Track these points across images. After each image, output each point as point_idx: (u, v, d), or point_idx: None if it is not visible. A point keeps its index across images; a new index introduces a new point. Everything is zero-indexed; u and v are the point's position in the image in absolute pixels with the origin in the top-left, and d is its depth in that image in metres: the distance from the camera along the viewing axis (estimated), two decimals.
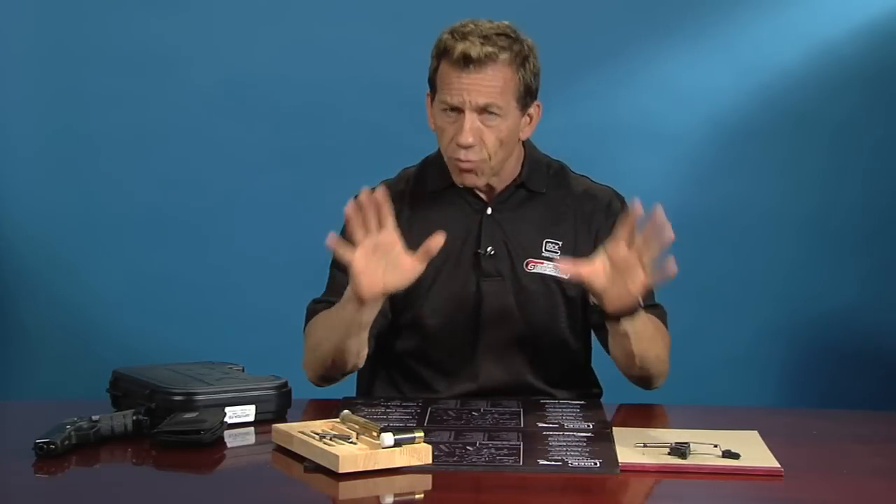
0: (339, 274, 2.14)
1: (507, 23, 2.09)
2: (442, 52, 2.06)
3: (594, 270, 1.90)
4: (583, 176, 2.25)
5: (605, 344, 2.15)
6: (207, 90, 3.47)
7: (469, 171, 2.08)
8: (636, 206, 1.86)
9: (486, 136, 2.05)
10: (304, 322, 2.17)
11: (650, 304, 2.16)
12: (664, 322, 2.17)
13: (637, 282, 1.88)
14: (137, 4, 3.47)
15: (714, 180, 3.51)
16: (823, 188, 3.52)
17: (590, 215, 2.18)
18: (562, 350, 2.18)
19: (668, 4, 3.50)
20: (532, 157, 2.20)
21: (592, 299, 2.00)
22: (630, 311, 1.95)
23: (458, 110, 2.05)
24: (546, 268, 2.14)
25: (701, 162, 3.52)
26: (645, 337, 2.02)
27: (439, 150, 2.17)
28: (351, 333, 1.99)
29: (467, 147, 2.05)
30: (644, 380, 2.12)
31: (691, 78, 3.49)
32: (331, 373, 2.10)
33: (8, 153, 3.49)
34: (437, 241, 1.91)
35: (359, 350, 2.05)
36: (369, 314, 1.96)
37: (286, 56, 3.46)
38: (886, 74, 3.48)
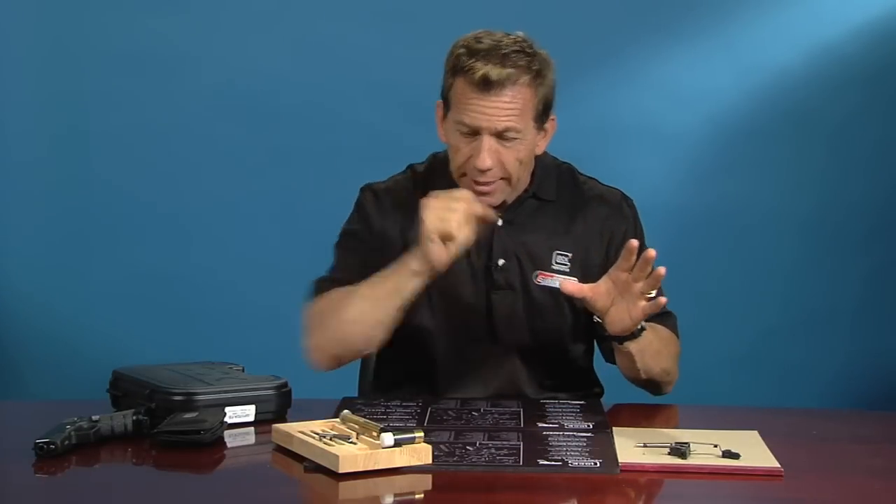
0: (348, 254, 2.14)
1: (522, 35, 2.05)
2: (458, 70, 2.01)
3: (597, 291, 1.91)
4: (591, 178, 2.24)
5: (606, 355, 2.16)
6: (208, 90, 3.48)
7: (485, 193, 2.05)
8: (633, 244, 1.85)
9: (504, 157, 2.03)
10: (311, 298, 2.13)
11: (661, 312, 2.15)
12: (675, 330, 2.17)
13: (636, 309, 1.89)
14: (138, 5, 3.47)
15: (714, 180, 3.51)
16: (823, 188, 3.52)
17: (602, 221, 2.17)
18: (565, 358, 2.18)
19: (668, 5, 3.50)
20: (542, 164, 2.18)
21: (596, 317, 2.00)
22: (632, 334, 1.96)
23: (475, 131, 2.02)
24: (555, 281, 2.12)
25: (701, 162, 3.52)
26: (649, 353, 2.03)
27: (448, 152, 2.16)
28: (403, 306, 2.02)
29: (485, 171, 2.02)
30: (650, 388, 2.14)
31: (691, 78, 3.49)
32: (349, 354, 2.09)
33: (8, 153, 3.50)
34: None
35: (386, 336, 2.06)
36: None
37: (286, 56, 3.47)
38: (886, 74, 3.49)
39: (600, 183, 2.24)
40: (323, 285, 2.13)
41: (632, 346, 1.98)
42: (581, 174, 2.24)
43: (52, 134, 3.51)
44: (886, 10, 3.48)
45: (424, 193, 2.15)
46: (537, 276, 2.13)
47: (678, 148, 3.51)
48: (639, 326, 1.95)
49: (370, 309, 2.02)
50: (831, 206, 3.52)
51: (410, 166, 2.24)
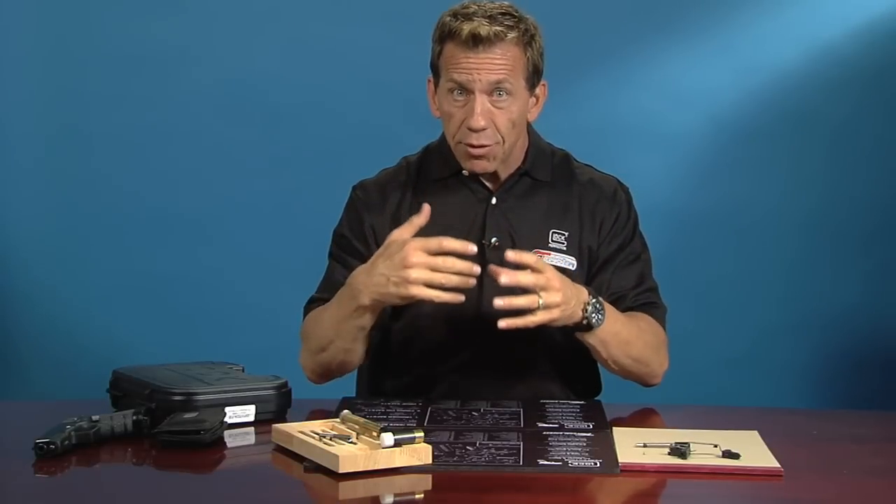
0: (339, 267, 2.14)
1: (507, 2, 2.07)
2: (446, 35, 2.02)
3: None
4: (587, 165, 2.25)
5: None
6: (207, 90, 3.48)
7: (481, 156, 2.05)
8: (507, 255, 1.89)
9: (497, 118, 2.02)
10: (302, 321, 2.16)
11: (647, 301, 2.15)
12: (660, 320, 2.16)
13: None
14: (137, 5, 3.47)
15: (714, 180, 3.51)
16: (824, 188, 3.52)
17: (594, 205, 2.17)
18: (564, 343, 2.13)
19: (668, 4, 3.51)
20: (536, 146, 2.18)
21: None
22: (577, 327, 1.97)
23: (467, 92, 2.02)
24: (553, 258, 2.11)
25: (701, 162, 3.52)
26: (615, 344, 2.03)
27: (441, 138, 2.16)
28: (362, 337, 2.02)
29: (479, 131, 2.02)
30: (632, 379, 2.13)
31: (691, 78, 3.49)
32: (335, 374, 2.12)
33: (8, 153, 3.50)
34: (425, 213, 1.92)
35: (365, 349, 2.07)
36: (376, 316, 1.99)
37: (286, 56, 3.47)
38: (886, 74, 3.49)
39: (596, 170, 2.25)
40: (308, 307, 2.15)
41: (590, 338, 1.99)
42: (577, 161, 2.24)
43: (52, 134, 3.52)
44: (886, 10, 3.48)
45: (418, 184, 2.16)
46: (534, 254, 2.12)
47: (678, 148, 3.51)
48: (584, 322, 1.96)
49: (334, 337, 2.03)
50: (831, 207, 3.52)
51: (404, 157, 2.24)
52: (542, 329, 1.96)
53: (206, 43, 3.47)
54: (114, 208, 3.50)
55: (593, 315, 1.96)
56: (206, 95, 3.48)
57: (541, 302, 1.87)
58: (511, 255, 1.89)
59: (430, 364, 2.14)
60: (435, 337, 2.12)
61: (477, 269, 1.87)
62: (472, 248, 1.87)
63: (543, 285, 1.88)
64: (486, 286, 2.07)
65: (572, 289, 1.93)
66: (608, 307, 2.01)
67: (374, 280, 1.90)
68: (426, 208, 1.93)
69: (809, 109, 3.50)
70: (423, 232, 1.98)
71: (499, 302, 1.87)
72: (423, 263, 1.85)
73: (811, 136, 3.52)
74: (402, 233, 1.90)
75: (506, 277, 1.87)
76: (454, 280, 1.85)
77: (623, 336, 2.03)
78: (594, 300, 1.97)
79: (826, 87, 3.48)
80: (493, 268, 1.89)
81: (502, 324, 1.86)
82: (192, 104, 3.48)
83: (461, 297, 1.87)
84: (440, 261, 1.85)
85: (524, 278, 1.87)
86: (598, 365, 2.20)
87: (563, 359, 2.16)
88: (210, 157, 3.49)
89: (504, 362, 2.12)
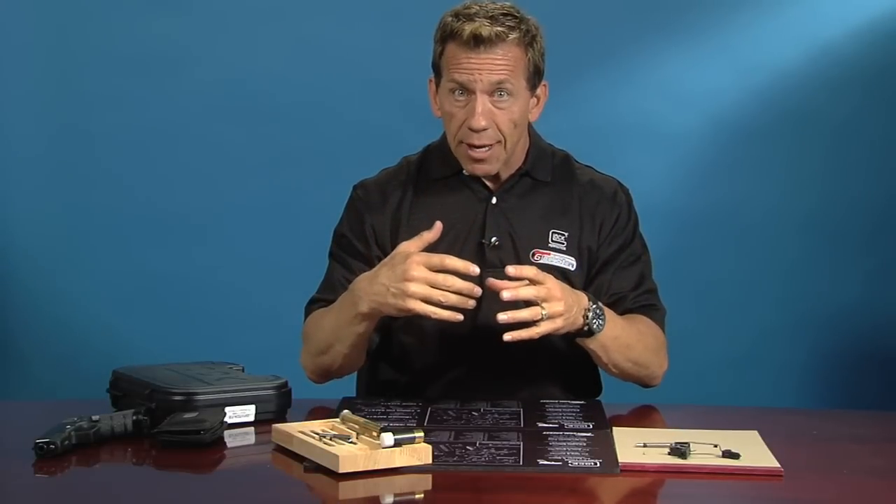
0: (339, 268, 2.15)
1: (509, 3, 2.07)
2: (448, 35, 2.03)
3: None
4: (587, 166, 2.25)
5: None
6: (208, 90, 3.48)
7: (482, 159, 2.05)
8: (507, 270, 1.89)
9: (498, 118, 2.03)
10: (303, 322, 2.16)
11: (647, 303, 2.16)
12: (660, 323, 2.16)
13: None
14: (138, 5, 3.48)
15: (714, 180, 3.51)
16: (824, 188, 3.53)
17: (594, 206, 2.17)
18: (564, 348, 2.14)
19: (668, 4, 3.51)
20: (537, 146, 2.18)
21: None
22: (578, 333, 1.97)
23: (469, 92, 2.02)
24: (553, 258, 2.12)
25: (701, 162, 3.52)
26: (616, 348, 2.03)
27: (442, 138, 2.16)
28: (361, 343, 2.03)
29: (480, 131, 2.02)
30: (632, 381, 2.13)
31: (691, 78, 3.49)
32: (335, 376, 2.12)
33: (9, 152, 3.50)
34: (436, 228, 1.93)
35: (366, 351, 2.08)
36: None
37: (286, 56, 3.47)
38: (886, 74, 3.49)
39: (596, 171, 2.25)
40: (309, 308, 2.16)
41: (590, 343, 2.00)
42: (577, 161, 2.24)
43: (53, 132, 3.52)
44: (886, 11, 3.48)
45: (418, 183, 2.17)
46: (534, 254, 2.12)
47: (678, 148, 3.51)
48: (585, 328, 1.96)
49: (334, 341, 2.03)
50: (831, 206, 3.52)
51: (405, 157, 2.24)
52: (543, 335, 1.96)
53: (207, 43, 3.47)
54: (114, 208, 3.50)
55: (594, 321, 1.96)
56: (206, 95, 3.48)
57: (544, 313, 1.87)
58: (511, 270, 1.88)
59: (430, 366, 2.14)
60: (435, 340, 2.12)
61: (478, 290, 1.87)
62: (475, 270, 1.87)
63: (545, 296, 1.88)
64: (486, 291, 2.07)
65: (573, 296, 1.93)
66: (608, 311, 2.01)
67: (374, 289, 1.90)
68: (437, 226, 1.92)
69: (809, 109, 3.50)
70: (423, 229, 1.98)
71: (503, 317, 1.87)
72: (423, 278, 1.85)
73: (811, 136, 3.52)
74: (410, 246, 1.90)
75: (507, 293, 1.87)
76: (452, 299, 1.85)
77: (623, 340, 2.03)
78: (594, 306, 1.97)
79: (826, 87, 3.48)
80: (493, 282, 1.89)
81: (507, 337, 1.86)
82: (192, 104, 3.48)
83: (459, 317, 1.87)
84: (440, 278, 1.85)
85: (525, 292, 1.87)
86: (599, 368, 2.21)
87: (564, 363, 2.16)
88: (210, 156, 3.49)
89: (505, 367, 2.11)
